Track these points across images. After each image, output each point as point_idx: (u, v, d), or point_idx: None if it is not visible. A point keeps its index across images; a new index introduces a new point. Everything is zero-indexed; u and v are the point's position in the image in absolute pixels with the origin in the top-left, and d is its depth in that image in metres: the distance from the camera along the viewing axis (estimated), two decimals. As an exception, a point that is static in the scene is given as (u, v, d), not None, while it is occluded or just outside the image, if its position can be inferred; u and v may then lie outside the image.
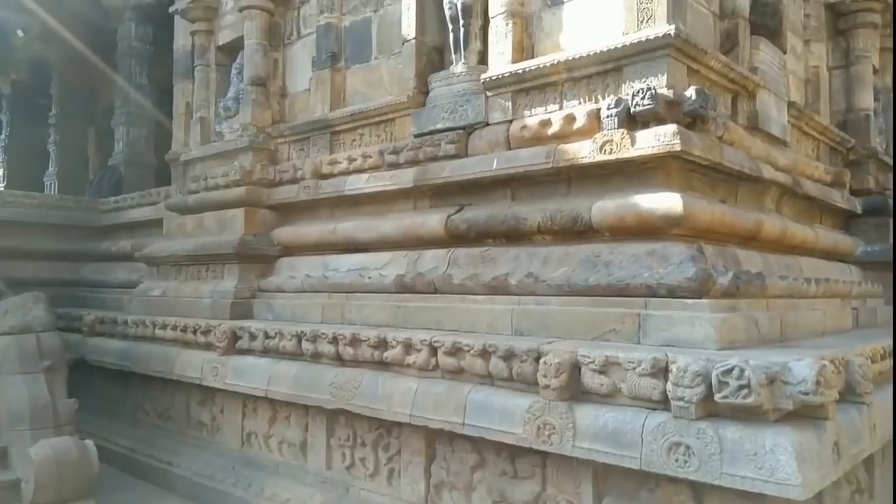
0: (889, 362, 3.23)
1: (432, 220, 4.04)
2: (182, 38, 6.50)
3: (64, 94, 9.60)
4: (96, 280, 7.48)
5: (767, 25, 4.35)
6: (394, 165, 4.38)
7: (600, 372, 2.72)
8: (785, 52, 4.37)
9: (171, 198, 6.20)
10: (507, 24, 3.89)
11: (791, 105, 4.32)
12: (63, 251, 7.65)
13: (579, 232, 3.36)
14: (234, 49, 5.82)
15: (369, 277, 4.32)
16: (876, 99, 5.44)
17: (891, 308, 4.96)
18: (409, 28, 4.46)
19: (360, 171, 4.62)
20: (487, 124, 3.94)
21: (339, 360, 3.94)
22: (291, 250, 5.14)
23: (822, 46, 5.01)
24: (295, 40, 5.49)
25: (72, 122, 9.72)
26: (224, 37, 5.89)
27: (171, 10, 6.31)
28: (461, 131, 4.04)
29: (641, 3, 3.31)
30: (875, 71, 5.49)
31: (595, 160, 3.26)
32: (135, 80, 8.40)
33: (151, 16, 8.16)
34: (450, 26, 4.25)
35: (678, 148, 2.98)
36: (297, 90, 5.44)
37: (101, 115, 9.59)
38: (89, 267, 7.73)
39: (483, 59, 4.12)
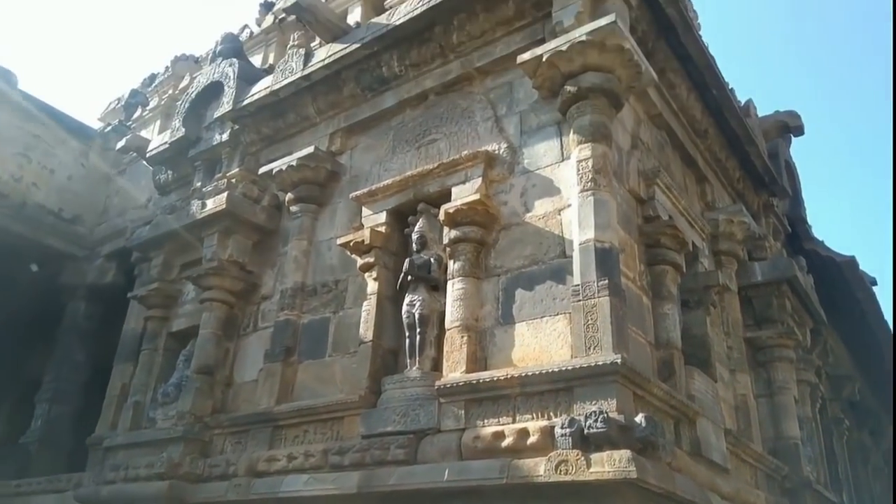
0: None
1: (375, 535, 3.77)
2: (134, 320, 6.58)
3: (-12, 364, 9.21)
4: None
5: (697, 355, 4.75)
6: (338, 467, 4.20)
7: None
8: (716, 381, 4.70)
9: (81, 487, 5.65)
10: (461, 337, 4.11)
11: (728, 432, 4.51)
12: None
13: (536, 558, 3.18)
14: (186, 336, 5.88)
15: None
16: (801, 428, 5.74)
17: None
18: (366, 331, 4.65)
19: (300, 470, 4.39)
20: (439, 431, 3.92)
21: None
22: (207, 559, 4.60)
23: (746, 376, 5.41)
24: (250, 332, 5.60)
25: (-13, 394, 9.17)
26: (179, 324, 5.99)
27: (129, 295, 6.48)
28: (412, 436, 3.99)
29: (588, 332, 3.60)
30: (795, 401, 5.89)
31: (550, 480, 3.22)
32: (72, 356, 8.19)
33: (104, 296, 8.30)
34: (406, 333, 4.46)
35: (634, 475, 3.00)
36: (245, 380, 5.39)
37: (23, 389, 9.12)
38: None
39: (437, 366, 4.26)
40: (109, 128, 9.16)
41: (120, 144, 7.63)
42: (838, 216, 28.69)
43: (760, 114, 7.00)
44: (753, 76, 28.67)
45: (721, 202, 6.00)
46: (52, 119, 8.70)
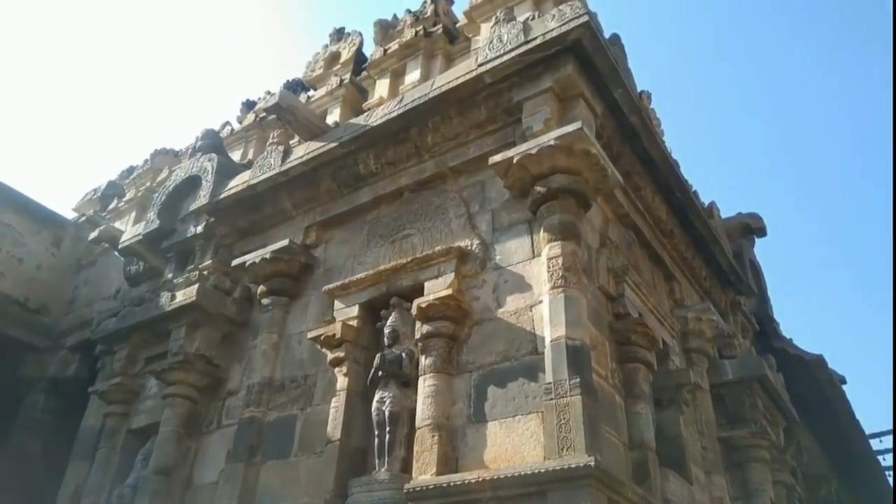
0: None
1: None
2: (93, 417, 6.33)
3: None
4: None
5: (672, 456, 4.67)
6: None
7: None
8: (691, 484, 4.60)
9: None
10: (432, 436, 4.01)
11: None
12: None
13: None
14: (146, 434, 5.65)
15: None
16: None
17: None
18: (334, 429, 4.51)
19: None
20: (407, 539, 3.75)
21: None
22: None
23: (722, 478, 5.31)
24: (214, 430, 5.40)
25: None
26: (139, 421, 5.77)
27: (90, 389, 6.25)
28: (378, 547, 3.81)
29: (561, 432, 3.54)
30: (772, 503, 5.78)
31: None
32: (26, 452, 7.76)
33: (65, 389, 7.97)
34: (376, 431, 4.34)
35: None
36: (205, 482, 5.15)
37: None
38: None
39: (406, 467, 4.12)
40: (83, 218, 9.13)
41: (93, 235, 7.59)
42: (805, 315, 29.26)
43: (724, 215, 7.25)
44: (717, 179, 29.90)
45: (689, 300, 6.09)
46: (24, 208, 8.67)
